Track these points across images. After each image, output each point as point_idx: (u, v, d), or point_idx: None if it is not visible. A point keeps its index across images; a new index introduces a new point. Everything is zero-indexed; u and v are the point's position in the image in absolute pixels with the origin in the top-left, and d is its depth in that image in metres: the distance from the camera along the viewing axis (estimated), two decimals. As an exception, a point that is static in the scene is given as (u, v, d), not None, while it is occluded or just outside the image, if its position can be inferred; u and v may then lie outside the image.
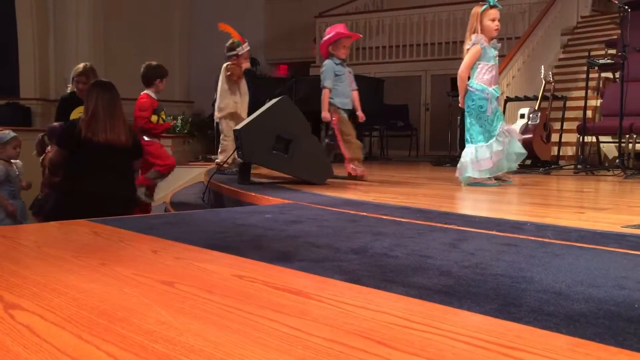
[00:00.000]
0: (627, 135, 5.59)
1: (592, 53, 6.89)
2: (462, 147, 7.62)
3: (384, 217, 2.30)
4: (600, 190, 4.05)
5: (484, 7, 4.02)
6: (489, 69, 4.01)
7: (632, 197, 3.38)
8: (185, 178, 7.96)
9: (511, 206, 3.11)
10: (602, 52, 7.61)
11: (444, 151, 8.45)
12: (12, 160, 4.75)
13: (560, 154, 6.44)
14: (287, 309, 1.01)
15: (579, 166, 5.49)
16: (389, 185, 4.17)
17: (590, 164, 5.73)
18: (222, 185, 4.00)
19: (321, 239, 1.83)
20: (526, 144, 6.04)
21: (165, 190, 5.59)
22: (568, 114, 6.77)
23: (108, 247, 1.67)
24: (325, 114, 4.36)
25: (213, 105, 9.27)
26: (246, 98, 5.08)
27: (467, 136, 4.10)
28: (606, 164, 6.05)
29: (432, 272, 1.38)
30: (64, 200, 3.50)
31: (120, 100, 3.66)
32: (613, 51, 7.13)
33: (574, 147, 6.54)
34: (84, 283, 1.20)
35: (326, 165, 3.98)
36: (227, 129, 4.93)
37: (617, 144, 5.43)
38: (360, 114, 4.52)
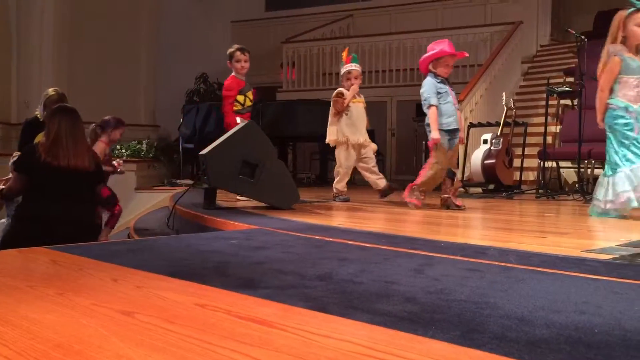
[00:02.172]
0: (586, 161, 5.74)
1: (551, 81, 7.10)
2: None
3: (350, 242, 2.30)
4: (561, 214, 4.14)
5: (630, 10, 3.61)
6: (635, 84, 3.57)
7: (592, 221, 3.46)
8: (149, 203, 7.84)
9: (475, 231, 3.14)
10: (561, 80, 7.85)
11: (410, 175, 8.52)
12: None
13: (522, 178, 6.57)
14: (250, 338, 0.99)
15: (540, 191, 5.61)
16: (355, 210, 4.18)
17: (551, 188, 5.85)
18: (187, 211, 3.95)
19: (287, 265, 1.81)
20: (489, 169, 6.17)
21: (129, 216, 5.49)
22: (529, 140, 6.93)
23: (67, 276, 1.62)
24: (436, 136, 4.00)
25: (179, 129, 9.26)
26: (357, 122, 4.79)
27: (608, 162, 3.66)
28: (566, 189, 6.19)
29: (397, 298, 1.38)
30: (21, 226, 3.40)
31: (82, 125, 3.60)
32: (571, 79, 7.36)
33: (535, 172, 6.68)
34: (40, 314, 1.16)
35: (292, 190, 3.97)
36: (338, 157, 4.85)
37: (576, 169, 5.57)
38: (462, 134, 4.26)
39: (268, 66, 11.87)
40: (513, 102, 6.61)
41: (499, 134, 6.46)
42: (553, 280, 1.63)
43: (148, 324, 1.09)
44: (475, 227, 3.28)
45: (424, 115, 7.85)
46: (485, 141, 6.43)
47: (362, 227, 3.09)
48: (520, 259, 1.92)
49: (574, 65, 7.37)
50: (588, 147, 5.46)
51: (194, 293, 1.37)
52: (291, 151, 9.37)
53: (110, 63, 10.22)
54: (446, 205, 4.13)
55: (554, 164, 6.27)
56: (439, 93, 4.04)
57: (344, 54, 4.89)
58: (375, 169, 4.88)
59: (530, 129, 6.95)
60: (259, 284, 1.51)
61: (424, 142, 7.99)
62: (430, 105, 4.03)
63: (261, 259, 1.92)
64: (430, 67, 4.09)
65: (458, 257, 1.95)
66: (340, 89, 4.84)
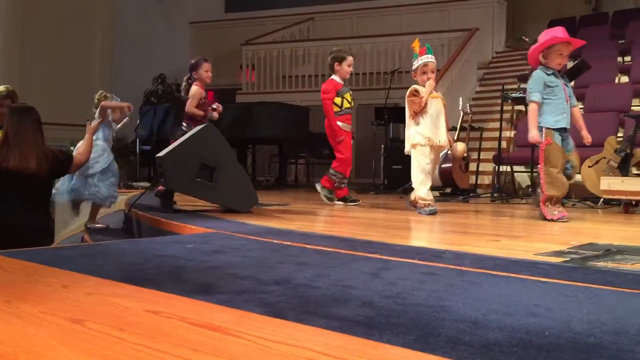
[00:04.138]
0: (539, 165, 5.88)
1: (506, 87, 7.24)
2: (387, 174, 7.75)
3: (308, 246, 2.30)
4: (515, 218, 4.23)
5: None
6: None
7: (544, 225, 3.54)
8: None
9: (432, 234, 3.18)
10: (515, 86, 8.03)
11: (369, 179, 8.59)
12: None
13: (478, 182, 6.69)
14: (204, 346, 0.98)
15: (495, 195, 5.72)
16: (314, 214, 4.18)
17: (505, 192, 5.98)
18: (144, 214, 3.88)
19: (243, 270, 1.80)
20: (446, 173, 6.26)
21: (82, 219, 5.35)
22: (485, 144, 7.06)
23: (13, 283, 1.57)
24: (534, 135, 3.57)
25: (136, 130, 9.09)
26: (437, 121, 4.19)
27: None
28: (520, 193, 6.33)
29: (353, 302, 1.38)
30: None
31: (33, 124, 3.49)
32: (525, 85, 7.53)
33: (491, 176, 6.81)
34: (-16, 323, 1.11)
35: (251, 193, 3.95)
36: (415, 161, 4.15)
37: (529, 174, 5.71)
38: (585, 133, 3.75)
39: (227, 68, 11.78)
40: (469, 107, 6.73)
41: (455, 138, 6.56)
42: (506, 283, 1.66)
43: (98, 333, 1.06)
44: (432, 230, 3.32)
45: (383, 118, 7.87)
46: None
47: (321, 230, 3.09)
48: (475, 263, 1.95)
49: (527, 71, 7.55)
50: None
51: (147, 299, 1.34)
52: (250, 154, 9.32)
53: (64, 62, 9.96)
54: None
55: (509, 168, 6.41)
56: (548, 87, 3.60)
57: (416, 45, 4.29)
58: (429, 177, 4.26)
59: (485, 134, 7.08)
60: (215, 289, 1.49)
61: (382, 146, 8.08)
62: (531, 101, 3.62)
63: (218, 264, 1.90)
64: (541, 58, 3.65)
65: (415, 261, 1.97)
66: (414, 86, 4.20)
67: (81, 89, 10.36)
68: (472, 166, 6.68)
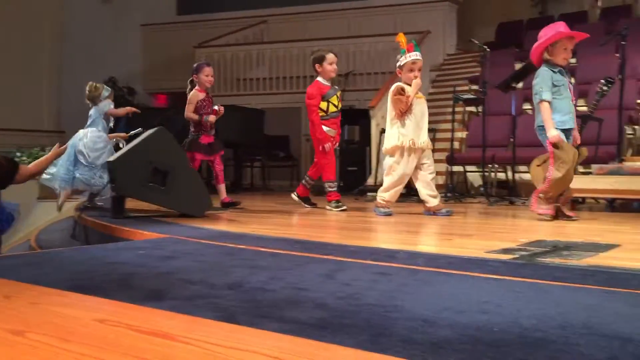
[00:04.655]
0: (490, 165, 6.01)
1: (458, 88, 7.37)
2: (342, 176, 7.74)
3: (262, 249, 2.28)
4: (468, 217, 4.30)
5: None
6: None
7: (495, 223, 3.62)
8: (54, 213, 7.44)
9: (386, 235, 3.21)
10: (467, 88, 8.19)
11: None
12: None
13: (432, 182, 6.78)
14: (151, 354, 0.95)
15: (448, 194, 5.81)
16: (269, 216, 4.16)
17: (458, 192, 6.08)
18: (94, 221, 3.78)
19: (196, 274, 1.77)
20: (401, 173, 6.32)
21: (30, 227, 5.18)
22: (438, 145, 7.15)
23: (-47, 294, 1.50)
24: (553, 134, 3.44)
25: (86, 135, 8.84)
26: (421, 122, 4.05)
27: None
28: (472, 192, 6.45)
29: (307, 305, 1.37)
30: None
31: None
32: (476, 87, 7.70)
33: (444, 176, 6.92)
34: None
35: (205, 197, 3.89)
36: (393, 163, 4.01)
37: (481, 173, 5.82)
38: (575, 134, 3.66)
39: (180, 71, 11.61)
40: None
41: (409, 139, 6.63)
42: (458, 281, 1.69)
43: (40, 344, 1.02)
44: (387, 231, 3.34)
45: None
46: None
47: (276, 233, 3.07)
48: (428, 262, 1.97)
49: (478, 73, 7.72)
50: (492, 151, 5.72)
51: (94, 308, 1.30)
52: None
53: (10, 67, 9.65)
54: (556, 215, 3.58)
55: (461, 169, 6.52)
56: (555, 86, 3.49)
57: (402, 39, 4.07)
58: (433, 182, 4.15)
59: (438, 135, 7.18)
60: (166, 296, 1.46)
61: (337, 148, 8.11)
62: (541, 100, 3.49)
63: (170, 269, 1.86)
64: (546, 54, 3.53)
65: (368, 262, 1.97)
66: (399, 84, 3.99)
67: (28, 94, 10.06)
68: (426, 167, 6.76)
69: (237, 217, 3.95)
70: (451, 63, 10.37)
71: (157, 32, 12.64)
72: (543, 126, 3.51)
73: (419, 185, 4.14)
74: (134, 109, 5.05)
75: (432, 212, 4.05)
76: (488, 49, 5.80)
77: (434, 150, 6.81)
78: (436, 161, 6.87)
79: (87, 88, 4.95)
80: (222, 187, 4.78)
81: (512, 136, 5.65)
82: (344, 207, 4.48)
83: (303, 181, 4.88)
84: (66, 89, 11.00)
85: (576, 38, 3.55)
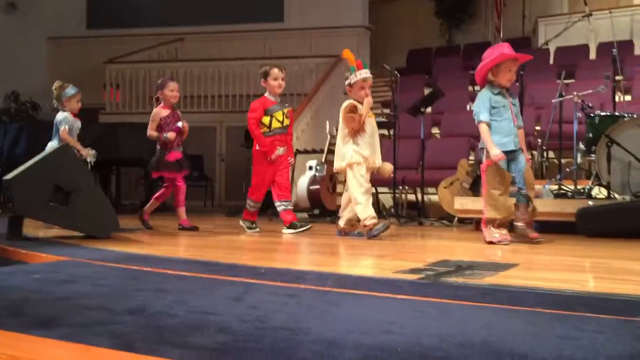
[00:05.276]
0: (400, 187, 6.16)
1: (373, 111, 7.54)
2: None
3: (169, 271, 2.21)
4: (378, 237, 4.36)
5: None
6: None
7: (405, 243, 3.70)
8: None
9: (298, 255, 3.20)
10: (379, 111, 8.39)
11: (240, 201, 8.52)
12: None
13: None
14: (36, 387, 0.88)
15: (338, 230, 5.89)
16: (180, 238, 4.05)
17: (377, 212, 6.17)
18: (-13, 242, 3.53)
19: (95, 299, 1.68)
20: (314, 194, 6.37)
21: None
22: (352, 167, 7.29)
23: None
24: (496, 154, 3.38)
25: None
26: (374, 140, 3.98)
27: None
28: (384, 213, 6.58)
29: (211, 329, 1.33)
30: None
31: None
32: (387, 111, 7.91)
33: (357, 198, 7.02)
34: None
35: (111, 218, 3.73)
36: (351, 181, 3.89)
37: (392, 194, 5.96)
38: (526, 155, 3.60)
39: (89, 87, 11.19)
40: (336, 131, 6.92)
41: (323, 160, 6.71)
42: (366, 302, 1.70)
43: None
44: (299, 252, 3.34)
45: (252, 141, 7.81)
46: (310, 167, 6.63)
47: (186, 255, 2.99)
48: (337, 283, 1.98)
49: (389, 98, 7.94)
50: (402, 173, 5.88)
51: (-25, 338, 1.20)
52: (115, 176, 8.87)
53: None
54: (520, 235, 3.54)
55: (373, 190, 6.64)
56: (494, 107, 3.49)
57: (350, 56, 4.02)
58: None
59: (352, 157, 7.31)
60: (60, 323, 1.37)
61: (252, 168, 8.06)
62: (480, 122, 3.50)
63: (67, 294, 1.76)
64: (490, 76, 3.52)
65: (277, 283, 1.95)
66: (351, 101, 3.93)
67: None
68: (339, 188, 6.85)
69: (145, 239, 3.82)
70: (365, 87, 10.60)
71: (65, 46, 12.15)
72: (482, 148, 3.54)
73: (343, 205, 4.13)
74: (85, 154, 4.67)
75: (345, 233, 4.07)
76: (399, 75, 5.98)
77: (347, 172, 6.96)
78: (349, 182, 7.01)
79: (54, 86, 4.76)
80: (183, 210, 4.57)
81: (421, 159, 5.83)
82: (257, 230, 4.41)
83: (279, 209, 4.40)
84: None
85: (520, 60, 3.56)
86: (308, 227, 4.30)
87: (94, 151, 4.74)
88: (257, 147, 4.38)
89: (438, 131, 7.74)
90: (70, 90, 4.75)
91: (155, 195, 4.71)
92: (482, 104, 3.51)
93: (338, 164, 3.97)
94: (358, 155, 3.86)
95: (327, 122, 6.95)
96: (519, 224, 3.52)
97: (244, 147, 8.10)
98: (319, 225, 5.32)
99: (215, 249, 3.40)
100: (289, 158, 4.49)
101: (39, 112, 11.59)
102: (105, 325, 1.35)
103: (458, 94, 8.25)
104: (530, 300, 1.64)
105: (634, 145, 4.41)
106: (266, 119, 4.32)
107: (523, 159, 3.51)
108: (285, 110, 4.43)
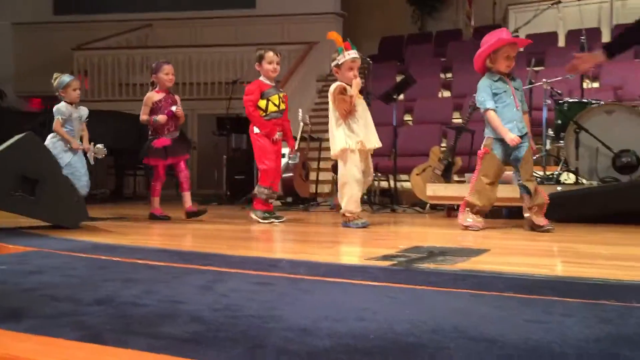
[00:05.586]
0: (373, 174, 6.19)
1: (344, 99, 7.54)
2: (230, 185, 7.65)
3: (139, 261, 2.18)
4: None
5: None
6: None
7: (377, 230, 3.71)
8: None
9: (271, 244, 3.19)
10: (352, 99, 8.40)
11: (211, 189, 8.47)
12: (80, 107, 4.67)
13: (318, 191, 6.88)
14: (-2, 381, 0.86)
15: (334, 202, 5.91)
16: (150, 227, 4.00)
17: (344, 200, 6.19)
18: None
19: (62, 290, 1.64)
20: (287, 182, 6.36)
21: None
22: (324, 154, 7.28)
23: None
24: (511, 137, 3.33)
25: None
26: (368, 122, 3.89)
27: None
28: (358, 200, 6.61)
29: (182, 319, 1.31)
30: None
31: None
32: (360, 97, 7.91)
33: (330, 185, 7.04)
34: None
35: (80, 207, 3.67)
36: (343, 169, 3.82)
37: (365, 182, 5.97)
38: (531, 143, 3.54)
39: (57, 74, 10.97)
40: (309, 119, 6.90)
41: (296, 148, 6.69)
42: (339, 289, 1.69)
43: None
44: (271, 240, 3.33)
45: (224, 129, 7.78)
46: (283, 155, 6.60)
47: (158, 244, 2.96)
48: (310, 270, 1.97)
49: (362, 85, 7.93)
50: (375, 160, 5.88)
51: (-64, 332, 1.16)
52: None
53: None
54: (528, 224, 3.50)
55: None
56: (495, 94, 3.43)
57: (337, 37, 3.92)
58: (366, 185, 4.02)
59: (325, 144, 7.30)
60: (25, 315, 1.34)
61: (224, 157, 8.00)
62: (486, 110, 3.43)
63: (33, 285, 1.72)
64: (488, 62, 3.46)
65: (250, 272, 1.94)
66: (339, 83, 3.87)
67: None
68: (312, 175, 6.85)
69: (115, 228, 3.76)
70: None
71: (31, 32, 11.87)
72: (490, 136, 3.47)
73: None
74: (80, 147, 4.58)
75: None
76: (371, 62, 5.98)
77: (320, 159, 6.96)
78: (322, 170, 7.01)
79: (54, 77, 4.62)
80: (187, 195, 4.50)
81: (393, 146, 5.86)
82: (282, 219, 4.25)
83: (258, 195, 4.32)
84: None
85: (518, 44, 3.50)
86: (271, 222, 4.22)
87: (101, 146, 4.59)
88: (256, 131, 4.27)
89: (410, 118, 7.79)
90: (65, 78, 4.60)
91: (153, 190, 4.58)
92: (485, 92, 3.44)
93: (333, 151, 3.88)
94: (351, 140, 3.77)
95: (300, 110, 6.93)
96: (526, 214, 3.49)
97: (215, 134, 8.04)
98: (292, 213, 5.31)
99: (187, 238, 3.37)
100: (293, 150, 4.58)
101: (4, 99, 11.33)
102: (72, 317, 1.32)
103: (430, 80, 8.30)
104: (500, 285, 1.66)
105: (601, 132, 4.50)
106: (262, 103, 4.24)
107: (525, 146, 3.43)
108: (281, 95, 4.38)
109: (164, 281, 1.78)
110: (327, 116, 8.74)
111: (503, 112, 3.42)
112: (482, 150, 3.46)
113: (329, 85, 10.81)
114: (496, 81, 3.44)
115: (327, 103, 9.76)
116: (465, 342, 1.11)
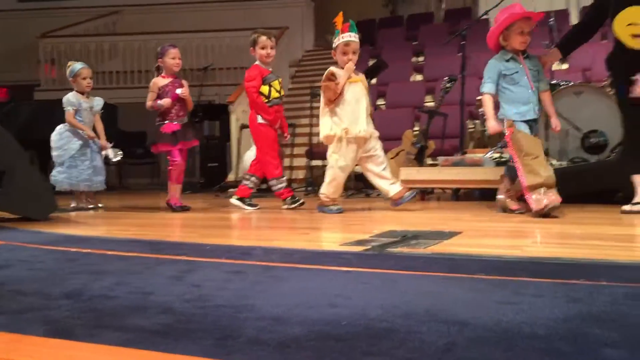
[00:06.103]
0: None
1: (316, 84, 7.51)
2: (203, 172, 7.58)
3: (109, 252, 2.14)
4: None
5: None
6: None
7: (351, 215, 3.71)
8: None
9: (244, 231, 3.17)
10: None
11: (185, 177, 8.38)
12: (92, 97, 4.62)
13: (292, 177, 6.86)
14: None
15: (308, 188, 5.90)
16: (123, 217, 3.95)
17: (318, 185, 6.18)
18: None
19: (30, 284, 1.61)
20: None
21: None
22: (298, 140, 7.26)
23: None
24: (492, 124, 3.26)
25: None
26: (356, 108, 3.72)
27: None
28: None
29: (152, 310, 1.29)
30: None
31: None
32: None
33: (304, 171, 7.02)
34: None
35: (48, 199, 3.60)
36: (330, 156, 3.78)
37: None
38: (554, 120, 3.35)
39: (24, 62, 10.73)
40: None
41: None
42: (312, 275, 1.69)
43: None
44: (245, 227, 3.31)
45: (197, 116, 7.66)
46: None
47: (126, 234, 2.92)
48: (283, 257, 1.96)
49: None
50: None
51: None
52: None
53: None
54: (502, 208, 3.43)
55: (320, 162, 6.65)
56: (506, 75, 3.25)
57: (339, 20, 3.78)
58: (386, 172, 3.85)
59: (298, 130, 7.28)
60: (-9, 311, 1.31)
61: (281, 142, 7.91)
62: (482, 93, 3.31)
63: (0, 280, 1.68)
64: (501, 40, 3.27)
65: (222, 260, 1.92)
66: (331, 68, 3.76)
67: None
68: (286, 161, 6.82)
69: (85, 219, 3.70)
70: (309, 59, 10.56)
71: (-6, 19, 11.56)
72: (502, 119, 3.30)
73: (373, 180, 3.89)
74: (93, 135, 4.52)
75: (398, 202, 3.79)
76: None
77: (293, 145, 6.93)
78: (296, 156, 6.99)
79: (67, 65, 4.59)
80: (176, 187, 4.32)
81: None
82: (301, 201, 4.24)
83: (244, 181, 4.37)
84: None
85: (533, 19, 3.25)
86: (252, 209, 4.24)
87: (117, 150, 4.59)
88: (260, 121, 4.17)
89: (383, 102, 7.79)
90: (77, 66, 4.52)
91: (170, 176, 4.36)
92: (488, 75, 3.30)
93: (320, 136, 3.85)
94: (335, 127, 3.70)
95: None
96: (500, 195, 3.42)
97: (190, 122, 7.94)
98: (266, 200, 5.29)
99: (160, 228, 3.34)
100: (285, 135, 4.37)
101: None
102: (40, 311, 1.30)
103: (402, 64, 8.30)
104: (472, 267, 1.67)
105: (570, 112, 4.55)
106: (265, 89, 4.14)
107: (535, 130, 3.27)
108: (280, 80, 4.29)
109: (135, 272, 1.75)
110: (300, 102, 8.73)
111: (518, 94, 3.23)
112: (507, 134, 3.21)
113: (301, 71, 10.78)
114: (507, 61, 3.26)
115: (300, 89, 9.74)
116: (437, 326, 1.11)
